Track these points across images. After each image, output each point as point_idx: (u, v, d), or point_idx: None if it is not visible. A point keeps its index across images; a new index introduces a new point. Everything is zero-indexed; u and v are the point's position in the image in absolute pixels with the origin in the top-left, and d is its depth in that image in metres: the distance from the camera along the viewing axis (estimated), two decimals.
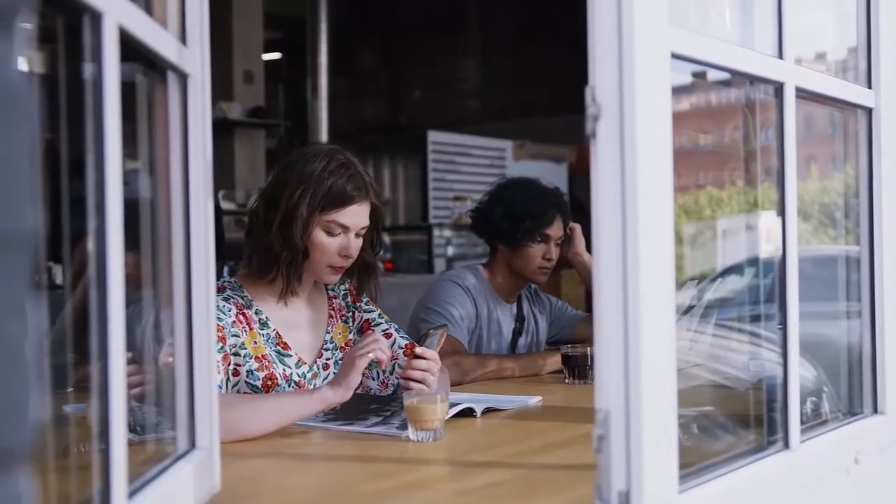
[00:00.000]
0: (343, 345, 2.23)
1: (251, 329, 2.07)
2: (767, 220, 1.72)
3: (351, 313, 2.27)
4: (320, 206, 2.04)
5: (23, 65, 0.55)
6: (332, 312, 2.24)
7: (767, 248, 1.75)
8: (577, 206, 5.04)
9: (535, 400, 2.24)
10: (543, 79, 8.40)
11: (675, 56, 1.17)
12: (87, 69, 0.97)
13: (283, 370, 2.08)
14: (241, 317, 2.06)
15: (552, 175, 5.98)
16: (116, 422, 0.97)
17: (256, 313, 2.10)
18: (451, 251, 7.01)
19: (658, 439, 1.11)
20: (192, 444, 1.31)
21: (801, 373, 1.47)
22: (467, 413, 2.00)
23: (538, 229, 2.84)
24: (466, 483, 1.50)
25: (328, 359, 2.19)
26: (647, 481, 1.09)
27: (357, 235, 2.10)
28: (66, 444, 1.17)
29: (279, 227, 2.04)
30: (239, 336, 2.03)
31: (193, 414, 1.31)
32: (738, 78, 1.49)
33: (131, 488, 1.03)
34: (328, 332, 2.21)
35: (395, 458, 1.67)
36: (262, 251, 2.09)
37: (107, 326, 0.96)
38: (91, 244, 0.95)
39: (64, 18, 0.97)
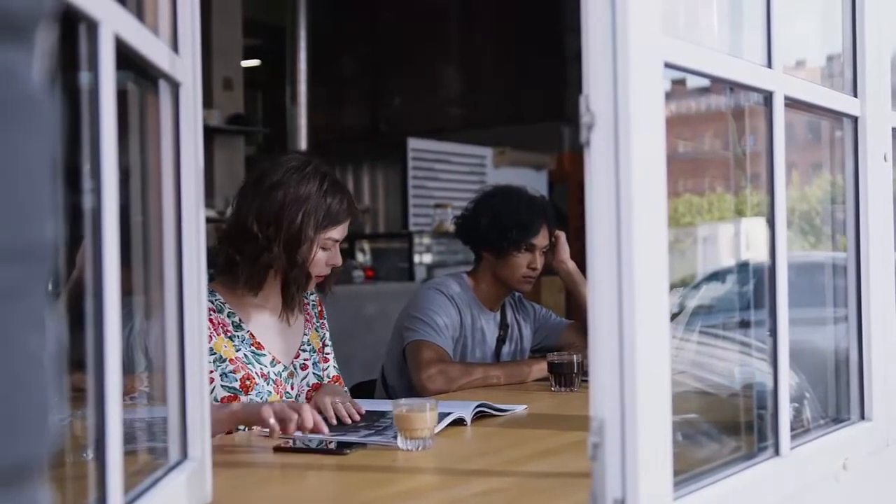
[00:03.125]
0: (317, 349, 2.32)
1: (224, 332, 2.12)
2: (749, 227, 1.73)
3: (320, 323, 2.37)
4: (322, 226, 2.14)
5: (41, 76, 0.55)
6: (308, 317, 2.32)
7: (749, 255, 1.76)
8: (557, 214, 5.04)
9: (520, 409, 2.24)
10: (524, 86, 8.43)
11: (667, 65, 1.18)
12: (83, 77, 0.96)
13: (260, 369, 2.14)
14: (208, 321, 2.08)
15: (532, 182, 5.95)
16: (112, 433, 0.96)
17: (229, 316, 2.15)
18: (431, 258, 6.99)
19: (653, 446, 1.11)
20: (185, 455, 1.30)
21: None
22: (457, 421, 2.00)
23: (525, 239, 2.83)
24: (459, 491, 1.50)
25: (306, 359, 2.27)
26: (643, 488, 1.09)
27: (340, 245, 2.22)
28: (60, 453, 1.16)
29: (285, 248, 2.10)
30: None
31: (185, 424, 1.30)
32: (719, 85, 1.50)
33: (125, 499, 1.02)
34: (305, 334, 2.29)
35: (385, 468, 1.67)
36: (260, 267, 2.12)
37: (103, 337, 0.95)
38: (87, 253, 0.95)
39: (59, 26, 0.96)
